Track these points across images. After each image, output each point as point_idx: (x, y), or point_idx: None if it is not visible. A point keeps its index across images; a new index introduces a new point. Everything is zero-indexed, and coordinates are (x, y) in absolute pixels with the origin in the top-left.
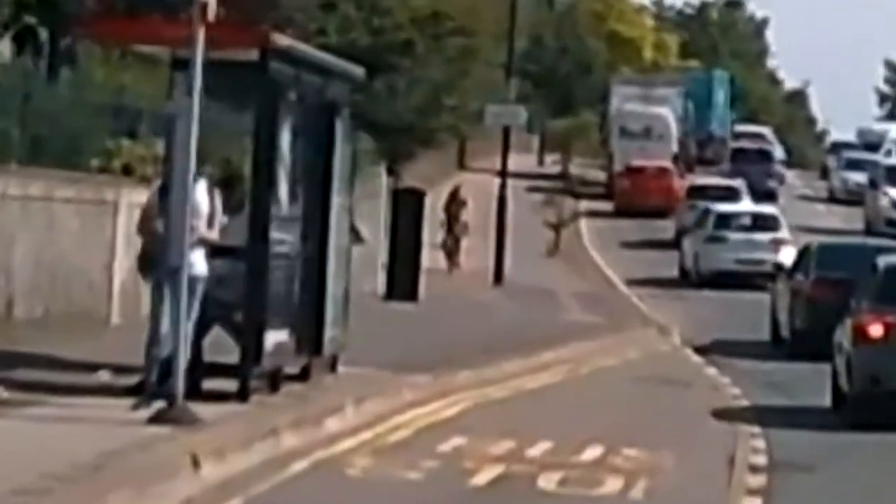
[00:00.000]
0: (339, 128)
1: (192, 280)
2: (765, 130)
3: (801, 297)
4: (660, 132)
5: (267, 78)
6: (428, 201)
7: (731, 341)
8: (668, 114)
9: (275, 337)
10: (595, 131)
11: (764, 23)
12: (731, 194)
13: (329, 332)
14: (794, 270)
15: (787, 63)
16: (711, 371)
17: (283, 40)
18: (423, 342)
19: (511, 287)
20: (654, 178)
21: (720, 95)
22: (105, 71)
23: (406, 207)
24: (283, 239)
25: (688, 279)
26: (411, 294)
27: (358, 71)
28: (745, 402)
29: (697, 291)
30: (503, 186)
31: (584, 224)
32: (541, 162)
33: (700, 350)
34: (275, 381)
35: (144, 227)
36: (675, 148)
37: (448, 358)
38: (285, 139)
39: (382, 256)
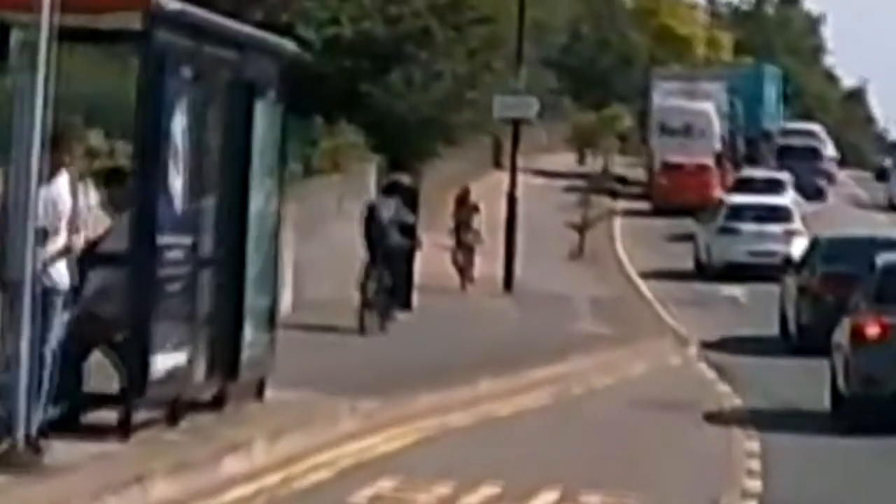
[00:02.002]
0: (262, 111)
1: (49, 294)
2: (815, 127)
3: (808, 292)
4: (701, 129)
5: (150, 49)
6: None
7: (740, 338)
8: (710, 109)
9: (168, 360)
10: (624, 125)
11: (820, 19)
12: (776, 187)
13: (248, 352)
14: (802, 265)
15: (844, 61)
16: (722, 388)
17: (173, 4)
18: (394, 358)
19: (521, 293)
20: (692, 175)
21: (771, 92)
22: None
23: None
24: (178, 243)
25: (703, 272)
26: (404, 302)
27: (288, 46)
28: (750, 430)
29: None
30: (512, 185)
31: (618, 224)
32: (581, 160)
33: (707, 346)
34: (174, 412)
35: None
36: (717, 145)
37: (417, 377)
38: (179, 123)
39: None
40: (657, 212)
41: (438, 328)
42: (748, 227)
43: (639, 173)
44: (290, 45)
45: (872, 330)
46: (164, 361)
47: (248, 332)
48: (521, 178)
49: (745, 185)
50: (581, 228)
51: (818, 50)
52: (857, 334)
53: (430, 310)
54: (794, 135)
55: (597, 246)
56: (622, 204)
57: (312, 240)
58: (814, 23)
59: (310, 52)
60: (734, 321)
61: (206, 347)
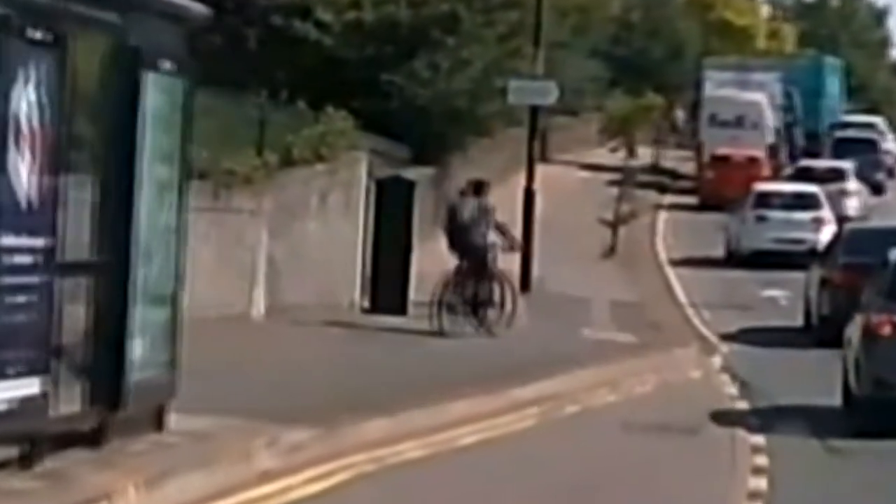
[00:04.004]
0: (154, 85)
1: None
2: (877, 120)
3: (830, 282)
4: (753, 120)
5: None
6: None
7: (759, 329)
8: (763, 100)
9: (11, 390)
10: (659, 114)
11: (885, 12)
12: (837, 176)
13: (137, 376)
14: (825, 255)
15: None
16: (741, 408)
17: None
18: (363, 373)
19: (538, 296)
20: (740, 167)
21: (831, 84)
22: None
23: (393, 200)
24: (23, 245)
25: (732, 260)
26: (400, 306)
27: (194, 7)
28: (760, 459)
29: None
30: (529, 178)
31: (662, 219)
32: (631, 153)
33: (728, 338)
34: (27, 453)
35: None
36: (770, 138)
37: (378, 397)
38: (25, 96)
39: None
40: (705, 207)
41: (427, 336)
42: (776, 214)
43: (691, 167)
44: (196, 7)
45: (885, 330)
46: (3, 392)
47: (137, 352)
48: (566, 172)
49: (806, 174)
50: (614, 225)
51: (884, 43)
52: (868, 333)
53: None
54: (852, 127)
55: (635, 243)
56: (669, 199)
57: (290, 237)
58: (878, 15)
59: (328, 36)
60: (778, 333)
61: (74, 372)
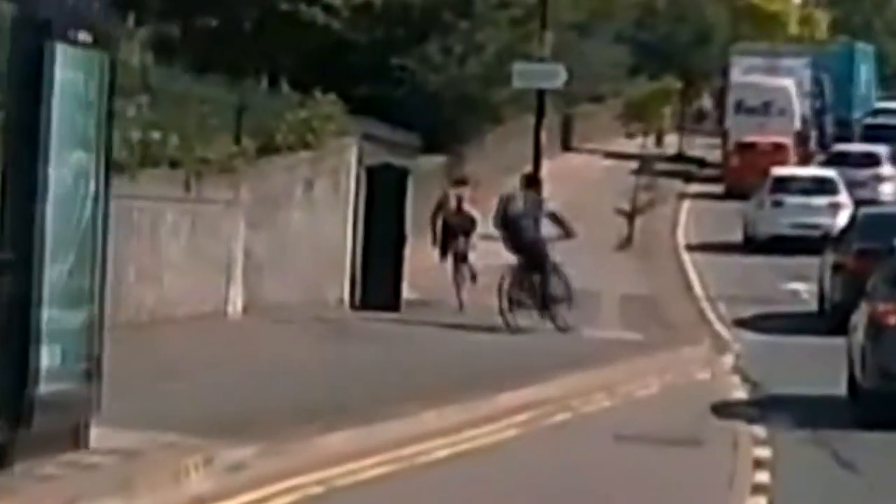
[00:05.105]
0: (65, 60)
1: None
2: None
3: (842, 268)
4: (781, 107)
5: None
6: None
7: (773, 315)
8: (790, 86)
9: None
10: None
11: None
12: (872, 161)
13: (47, 388)
14: (839, 240)
15: None
16: (748, 413)
17: None
18: (337, 377)
19: None
20: (766, 154)
21: (863, 71)
22: None
23: (384, 189)
24: None
25: (750, 245)
26: (392, 302)
27: None
28: (761, 476)
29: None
30: (536, 167)
31: (685, 208)
32: (659, 141)
33: (741, 324)
34: None
35: None
36: (798, 125)
37: (346, 405)
38: None
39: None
40: (730, 195)
41: (415, 335)
42: (793, 199)
43: (719, 155)
44: None
45: (892, 319)
46: None
47: (46, 361)
48: (589, 160)
49: (839, 159)
50: (630, 215)
51: None
52: (874, 322)
53: (421, 311)
54: (882, 114)
55: (654, 234)
56: (695, 187)
57: (272, 229)
58: None
59: (336, 19)
60: (791, 319)
61: None
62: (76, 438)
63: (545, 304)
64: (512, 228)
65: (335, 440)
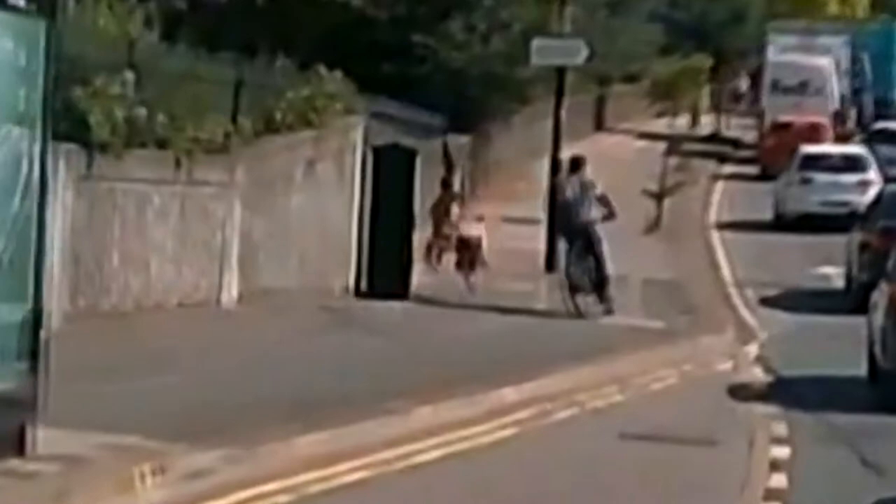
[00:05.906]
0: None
1: None
2: None
3: (868, 247)
4: (817, 86)
5: None
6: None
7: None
8: (828, 65)
9: None
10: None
11: None
12: None
13: None
14: (865, 218)
15: None
16: (767, 411)
17: None
18: (333, 369)
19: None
20: (802, 134)
21: None
22: None
23: (391, 171)
24: None
25: (780, 222)
26: (401, 289)
27: None
28: (779, 480)
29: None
30: (555, 147)
31: (718, 190)
32: (695, 122)
33: (765, 302)
34: None
35: None
36: (835, 104)
37: (335, 401)
38: None
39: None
40: (765, 176)
41: (424, 324)
42: (822, 176)
43: (754, 136)
44: None
45: None
46: None
47: None
48: (622, 141)
49: (878, 137)
50: (659, 197)
51: None
52: (894, 304)
53: (433, 298)
54: None
55: (684, 216)
56: (729, 168)
57: (272, 213)
58: None
59: None
60: (819, 297)
61: None
62: (18, 443)
63: (600, 286)
64: (565, 214)
65: (313, 441)
